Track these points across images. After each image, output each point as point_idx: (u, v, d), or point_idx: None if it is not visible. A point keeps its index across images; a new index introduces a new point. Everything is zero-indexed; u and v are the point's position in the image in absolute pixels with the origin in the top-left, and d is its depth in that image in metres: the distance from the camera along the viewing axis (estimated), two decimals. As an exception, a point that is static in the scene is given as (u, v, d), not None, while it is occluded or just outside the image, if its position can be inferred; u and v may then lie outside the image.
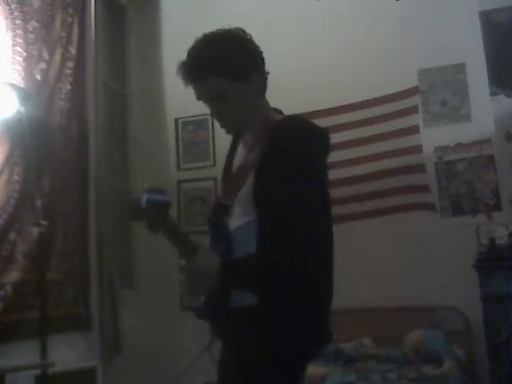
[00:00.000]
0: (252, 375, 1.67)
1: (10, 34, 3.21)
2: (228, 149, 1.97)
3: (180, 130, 4.86)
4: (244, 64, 1.75)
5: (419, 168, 4.28)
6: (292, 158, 1.65)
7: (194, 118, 4.70)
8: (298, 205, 1.63)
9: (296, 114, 1.89)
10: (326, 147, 1.76)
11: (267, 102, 1.86)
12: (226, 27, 1.80)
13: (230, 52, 1.73)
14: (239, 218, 1.74)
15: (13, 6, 3.24)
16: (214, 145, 4.68)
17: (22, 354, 2.96)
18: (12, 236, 3.07)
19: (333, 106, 4.45)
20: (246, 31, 1.81)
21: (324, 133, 1.76)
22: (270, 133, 1.72)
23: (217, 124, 1.86)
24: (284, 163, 1.65)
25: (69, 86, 3.66)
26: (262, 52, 1.81)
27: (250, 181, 1.72)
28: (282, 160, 1.65)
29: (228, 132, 1.87)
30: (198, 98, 1.80)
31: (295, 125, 1.75)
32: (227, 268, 1.63)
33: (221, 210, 1.80)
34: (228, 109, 1.77)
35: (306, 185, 1.65)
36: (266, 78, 1.82)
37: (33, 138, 3.11)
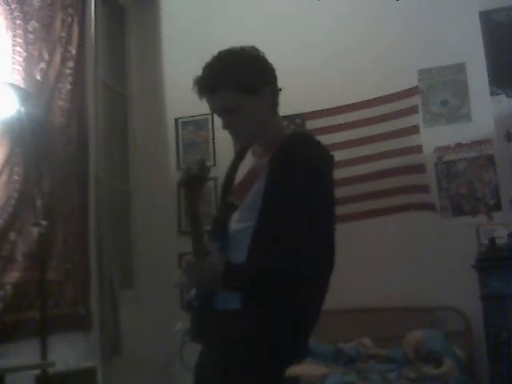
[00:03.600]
0: (232, 378, 1.70)
1: (10, 34, 3.21)
2: (232, 160, 2.03)
3: (180, 130, 4.85)
4: (255, 79, 1.81)
5: (419, 168, 4.28)
6: (301, 169, 1.72)
7: (194, 118, 4.70)
8: (303, 216, 1.68)
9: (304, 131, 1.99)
10: (331, 164, 1.83)
11: (280, 118, 1.91)
12: (238, 44, 1.86)
13: (242, 67, 1.80)
14: (239, 223, 1.79)
15: (13, 6, 3.24)
16: (214, 145, 4.68)
17: (22, 353, 2.96)
18: (12, 236, 3.07)
19: (333, 106, 4.45)
20: (259, 49, 1.87)
21: (329, 152, 1.83)
22: (281, 144, 1.78)
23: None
24: (292, 173, 1.71)
25: (69, 86, 3.66)
26: (274, 69, 1.87)
27: (255, 187, 1.77)
28: (291, 170, 1.71)
29: (239, 144, 1.95)
30: (212, 111, 1.86)
31: (306, 139, 1.84)
32: (231, 273, 1.68)
33: (228, 210, 1.85)
34: (240, 121, 1.82)
35: (313, 195, 1.71)
36: (277, 94, 1.87)
37: (33, 137, 3.11)
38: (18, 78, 3.22)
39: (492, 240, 3.56)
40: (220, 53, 1.84)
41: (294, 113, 4.39)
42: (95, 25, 4.10)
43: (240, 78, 1.78)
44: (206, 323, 1.79)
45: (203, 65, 1.84)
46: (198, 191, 1.75)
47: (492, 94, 4.04)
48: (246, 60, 1.82)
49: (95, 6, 4.10)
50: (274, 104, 1.87)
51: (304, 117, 4.44)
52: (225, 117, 1.83)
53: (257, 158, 1.88)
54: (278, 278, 1.66)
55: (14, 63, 3.22)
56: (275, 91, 1.86)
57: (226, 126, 1.85)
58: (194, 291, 1.80)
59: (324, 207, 1.75)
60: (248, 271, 1.68)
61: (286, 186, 1.70)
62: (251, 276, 1.67)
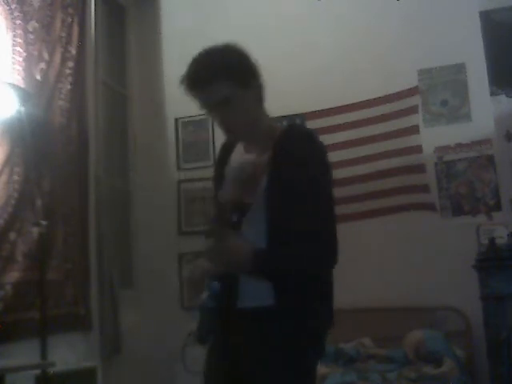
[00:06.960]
0: (266, 377, 1.70)
1: (10, 34, 3.21)
2: (219, 154, 2.01)
3: (180, 130, 4.85)
4: (247, 71, 1.81)
5: (419, 168, 4.28)
6: (303, 161, 1.74)
7: (194, 118, 4.70)
8: (314, 208, 1.72)
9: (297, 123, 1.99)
10: (326, 151, 1.86)
11: (266, 112, 1.91)
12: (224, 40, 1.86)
13: (234, 59, 1.80)
14: (249, 223, 1.77)
15: (13, 6, 3.24)
16: (213, 145, 4.68)
17: (22, 353, 2.96)
18: (12, 236, 3.07)
19: (333, 106, 4.45)
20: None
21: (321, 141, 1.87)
22: (278, 139, 1.79)
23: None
24: (296, 167, 1.72)
25: (69, 86, 3.66)
26: (259, 65, 1.87)
27: (261, 185, 1.76)
28: (294, 164, 1.73)
29: (231, 138, 1.91)
30: (203, 106, 1.82)
31: (302, 131, 1.89)
32: (262, 255, 1.69)
33: (241, 210, 1.81)
34: (232, 114, 1.80)
35: (319, 185, 1.75)
36: (264, 90, 1.88)
37: (33, 137, 3.11)
38: (18, 78, 3.22)
39: (492, 240, 3.56)
40: (207, 48, 1.83)
41: (294, 113, 4.39)
42: (95, 25, 4.09)
43: (234, 69, 1.78)
44: (234, 323, 1.76)
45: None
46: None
47: (492, 94, 4.04)
48: (235, 53, 1.82)
49: (95, 6, 4.10)
50: (262, 98, 1.87)
51: (304, 117, 4.44)
52: (217, 110, 1.80)
53: (254, 154, 1.84)
54: (320, 265, 1.74)
55: (14, 63, 3.22)
56: (262, 86, 1.87)
57: (218, 120, 1.82)
58: (205, 293, 1.76)
59: (331, 192, 1.80)
60: (287, 257, 1.71)
61: (300, 177, 1.71)
62: (291, 263, 1.70)
